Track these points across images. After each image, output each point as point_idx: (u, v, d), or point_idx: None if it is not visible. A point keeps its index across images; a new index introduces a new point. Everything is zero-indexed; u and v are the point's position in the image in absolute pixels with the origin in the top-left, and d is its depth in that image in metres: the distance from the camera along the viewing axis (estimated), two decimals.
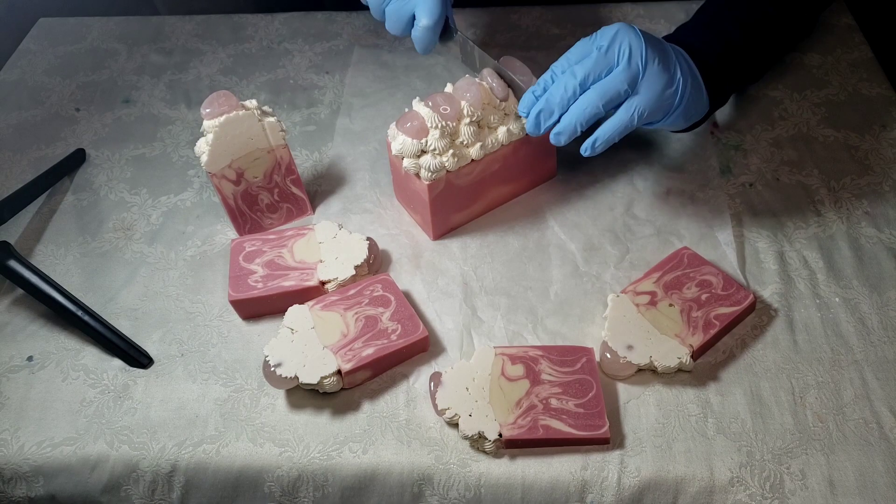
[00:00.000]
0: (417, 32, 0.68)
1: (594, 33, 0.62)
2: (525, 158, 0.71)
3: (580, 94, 0.61)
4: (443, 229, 0.72)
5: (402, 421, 0.59)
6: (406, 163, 0.65)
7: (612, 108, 0.61)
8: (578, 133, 0.62)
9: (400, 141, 0.65)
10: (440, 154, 0.64)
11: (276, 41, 0.97)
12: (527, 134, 0.68)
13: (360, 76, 0.91)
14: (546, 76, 0.63)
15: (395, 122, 0.66)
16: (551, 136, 0.62)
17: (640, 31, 0.61)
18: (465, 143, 0.65)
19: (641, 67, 0.60)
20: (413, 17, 0.68)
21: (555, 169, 0.76)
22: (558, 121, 0.62)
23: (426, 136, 0.64)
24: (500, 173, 0.70)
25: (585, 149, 0.62)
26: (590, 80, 0.60)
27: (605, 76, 0.60)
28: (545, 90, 0.62)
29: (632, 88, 0.60)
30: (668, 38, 0.70)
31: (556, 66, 0.63)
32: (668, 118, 0.64)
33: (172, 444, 0.59)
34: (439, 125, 0.63)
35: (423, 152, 0.65)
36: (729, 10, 0.72)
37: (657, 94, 0.61)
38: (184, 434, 0.59)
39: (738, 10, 0.72)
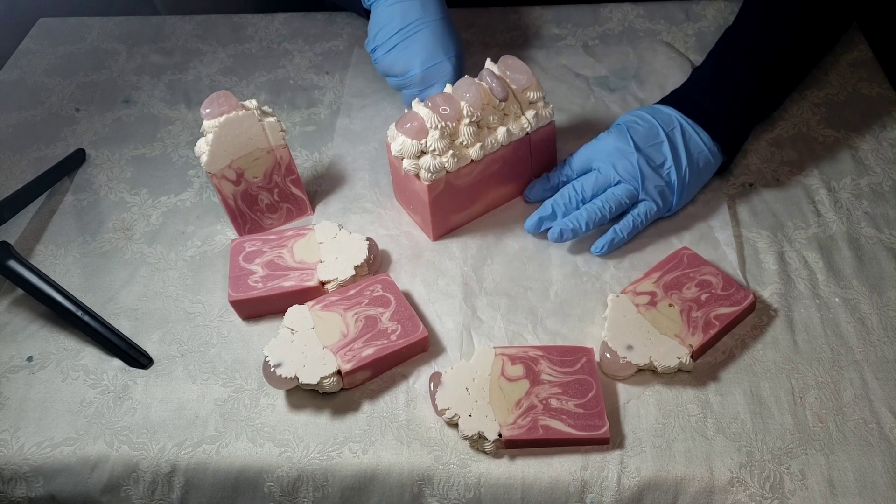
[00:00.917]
0: None
1: (595, 139, 0.70)
2: (524, 158, 0.71)
3: (582, 206, 0.67)
4: (443, 230, 0.72)
5: (402, 421, 0.59)
6: (406, 164, 0.65)
7: (616, 214, 0.68)
8: (583, 234, 0.67)
9: (399, 142, 0.65)
10: (440, 155, 0.64)
11: (276, 41, 0.97)
12: (527, 134, 0.68)
13: (360, 76, 0.91)
14: (559, 173, 0.71)
15: (394, 123, 0.66)
16: (554, 233, 0.67)
17: (634, 139, 0.67)
18: (464, 143, 0.65)
19: (639, 185, 0.67)
20: None
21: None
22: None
23: (426, 137, 0.64)
24: (499, 173, 0.70)
25: (602, 248, 0.67)
26: (591, 195, 0.68)
27: (606, 189, 0.68)
28: (554, 189, 0.70)
29: (632, 201, 0.67)
30: (677, 92, 0.73)
31: (566, 168, 0.71)
32: (673, 208, 0.70)
33: (172, 445, 0.59)
34: (439, 126, 0.63)
35: (423, 153, 0.64)
36: (743, 55, 0.73)
37: (657, 200, 0.67)
38: (184, 434, 0.59)
39: (753, 54, 0.73)
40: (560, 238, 0.66)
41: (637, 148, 0.67)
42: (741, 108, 0.72)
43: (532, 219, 0.69)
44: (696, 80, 0.75)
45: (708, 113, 0.70)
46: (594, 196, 0.68)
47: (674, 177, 0.67)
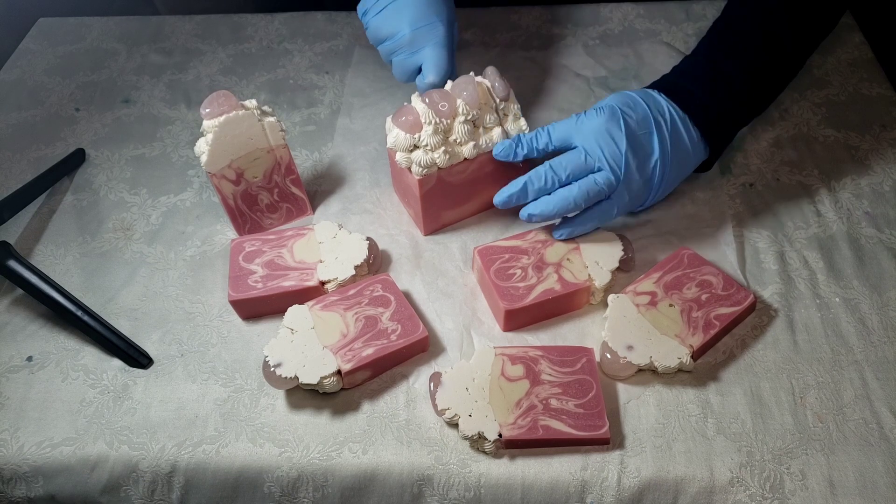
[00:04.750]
0: (423, 86, 0.70)
1: (583, 114, 0.64)
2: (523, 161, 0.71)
3: (558, 189, 0.63)
4: (434, 225, 0.71)
5: (402, 421, 0.59)
6: (398, 156, 0.65)
7: (590, 205, 0.64)
8: (552, 220, 0.66)
9: (394, 134, 0.65)
10: (432, 150, 0.64)
11: (276, 41, 0.97)
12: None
13: (360, 76, 0.91)
14: (535, 138, 0.66)
15: (391, 115, 0.66)
16: (524, 214, 0.64)
17: (627, 123, 0.63)
18: (458, 140, 0.65)
19: (620, 174, 0.63)
20: (419, 69, 0.71)
21: None
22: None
23: (419, 132, 0.64)
24: (495, 174, 0.70)
25: (561, 235, 0.66)
26: (570, 178, 0.63)
27: (586, 174, 0.63)
28: (524, 146, 0.65)
29: (610, 191, 0.63)
30: (668, 80, 0.69)
31: (544, 136, 0.65)
32: (645, 204, 0.68)
33: (172, 445, 0.59)
34: (433, 121, 0.63)
35: (416, 147, 0.64)
36: (735, 47, 0.68)
37: (632, 195, 0.65)
38: (183, 434, 0.59)
39: (746, 46, 0.68)
40: (529, 220, 0.64)
41: (628, 135, 0.62)
42: (734, 104, 0.67)
43: (502, 194, 0.64)
44: (688, 69, 0.69)
45: (700, 107, 0.65)
46: (575, 178, 0.63)
47: (657, 173, 0.64)
